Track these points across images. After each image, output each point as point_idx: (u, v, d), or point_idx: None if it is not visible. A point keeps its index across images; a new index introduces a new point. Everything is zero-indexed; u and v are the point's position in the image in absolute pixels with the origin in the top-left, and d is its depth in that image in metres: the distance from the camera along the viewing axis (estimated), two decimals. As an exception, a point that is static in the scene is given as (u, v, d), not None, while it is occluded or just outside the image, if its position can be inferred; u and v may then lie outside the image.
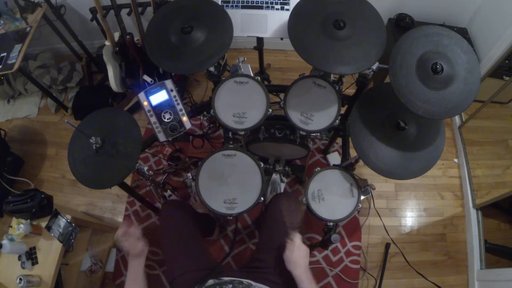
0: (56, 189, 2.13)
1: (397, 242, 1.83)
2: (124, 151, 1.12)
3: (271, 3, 1.36)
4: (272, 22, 1.35)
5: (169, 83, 1.20)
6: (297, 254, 1.02)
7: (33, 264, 1.37)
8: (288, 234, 1.08)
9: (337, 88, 1.28)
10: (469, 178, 1.93)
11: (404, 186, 2.01)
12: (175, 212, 1.28)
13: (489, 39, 1.87)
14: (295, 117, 1.26)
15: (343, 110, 1.32)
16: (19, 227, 1.35)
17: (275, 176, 1.74)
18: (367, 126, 1.16)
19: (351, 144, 1.24)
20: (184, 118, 1.20)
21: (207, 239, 1.77)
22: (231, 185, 1.20)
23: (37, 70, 2.41)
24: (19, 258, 1.36)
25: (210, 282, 1.00)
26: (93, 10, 1.89)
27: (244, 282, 0.98)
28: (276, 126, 1.47)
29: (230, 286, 0.96)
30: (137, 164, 1.19)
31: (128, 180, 2.05)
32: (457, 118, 2.14)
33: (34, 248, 1.39)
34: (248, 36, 1.36)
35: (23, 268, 1.35)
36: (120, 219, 1.98)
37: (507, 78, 1.80)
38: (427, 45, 1.02)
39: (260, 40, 1.67)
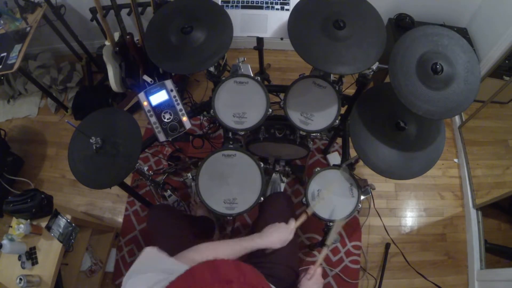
0: (56, 189, 2.13)
1: (397, 242, 1.83)
2: (124, 151, 1.12)
3: (271, 3, 1.36)
4: (272, 22, 1.35)
5: (169, 83, 1.20)
6: (312, 283, 1.00)
7: (33, 264, 1.37)
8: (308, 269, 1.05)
9: (337, 88, 1.28)
10: (469, 178, 1.93)
11: (404, 186, 2.01)
12: (161, 215, 1.27)
13: (489, 39, 1.87)
14: (295, 117, 1.26)
15: (343, 110, 1.32)
16: (19, 227, 1.35)
17: (275, 176, 1.74)
18: (367, 126, 1.17)
19: (351, 144, 1.24)
20: (184, 118, 1.20)
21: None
22: (231, 185, 1.20)
23: (37, 70, 2.41)
24: (19, 258, 1.36)
25: None
26: (93, 10, 1.89)
27: None
28: (276, 126, 1.47)
29: None
30: (137, 164, 1.19)
31: (128, 180, 2.05)
32: (457, 118, 2.14)
33: (34, 248, 1.39)
34: (248, 36, 1.36)
35: (23, 268, 1.35)
36: (120, 219, 1.98)
37: (507, 78, 1.80)
38: (427, 45, 1.02)
39: (260, 40, 1.67)
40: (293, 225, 1.08)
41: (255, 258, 1.14)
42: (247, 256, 1.20)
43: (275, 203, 1.24)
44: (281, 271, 1.09)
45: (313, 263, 1.04)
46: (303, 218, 1.14)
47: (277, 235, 1.03)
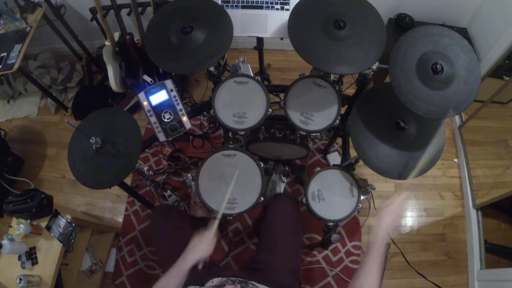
0: (56, 189, 2.13)
1: (397, 242, 1.83)
2: (124, 151, 1.12)
3: (271, 3, 1.36)
4: (272, 22, 1.35)
5: (169, 83, 1.20)
6: (390, 211, 0.95)
7: (33, 264, 1.37)
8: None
9: (337, 88, 1.28)
10: (469, 178, 1.93)
11: (404, 186, 2.01)
12: (164, 215, 1.27)
13: (489, 39, 1.87)
14: (295, 117, 1.26)
15: (343, 110, 1.32)
16: (19, 227, 1.35)
17: (275, 176, 1.74)
18: (367, 126, 1.17)
19: (351, 144, 1.24)
20: (184, 118, 1.20)
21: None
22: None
23: (37, 70, 2.41)
24: (19, 258, 1.36)
25: (217, 280, 0.99)
26: (93, 10, 1.89)
27: (249, 284, 0.98)
28: (276, 126, 1.47)
29: (239, 286, 0.96)
30: (137, 164, 1.19)
31: (128, 180, 2.05)
32: (457, 118, 2.14)
33: (34, 248, 1.39)
34: (248, 36, 1.36)
35: (23, 268, 1.35)
36: (120, 219, 1.98)
37: (507, 78, 1.80)
38: (427, 45, 1.02)
39: (260, 40, 1.67)
40: (213, 229, 1.01)
41: (255, 264, 1.14)
42: (249, 262, 1.20)
43: (281, 205, 1.23)
44: (282, 278, 1.09)
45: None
46: (217, 222, 1.05)
47: (200, 247, 0.99)
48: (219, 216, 1.05)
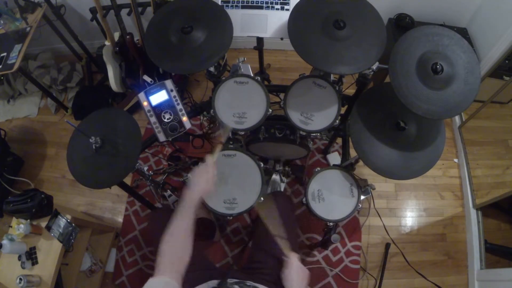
0: (56, 189, 2.13)
1: (397, 242, 1.83)
2: (124, 151, 1.12)
3: (271, 3, 1.36)
4: (272, 22, 1.35)
5: (169, 83, 1.20)
6: (296, 277, 0.99)
7: (33, 264, 1.37)
8: (283, 250, 1.03)
9: (337, 88, 1.28)
10: (469, 178, 1.93)
11: (404, 186, 2.01)
12: (162, 217, 1.26)
13: (489, 39, 1.87)
14: (295, 117, 1.26)
15: (343, 110, 1.32)
16: (19, 227, 1.35)
17: (275, 176, 1.74)
18: (367, 126, 1.16)
19: (351, 144, 1.24)
20: (184, 118, 1.20)
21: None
22: (231, 185, 1.20)
23: (37, 70, 2.41)
24: (19, 258, 1.36)
25: (212, 283, 0.99)
26: (93, 10, 1.89)
27: (248, 284, 0.98)
28: (276, 126, 1.47)
29: (236, 287, 0.96)
30: (137, 164, 1.19)
31: (128, 180, 2.05)
32: (457, 118, 2.14)
33: (34, 248, 1.39)
34: (248, 36, 1.36)
35: (23, 268, 1.35)
36: (120, 219, 1.98)
37: (507, 78, 1.80)
38: (427, 45, 1.02)
39: (260, 40, 1.67)
40: (209, 160, 1.03)
41: (254, 263, 1.14)
42: (247, 262, 1.20)
43: (276, 203, 1.24)
44: (278, 277, 1.09)
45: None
46: (218, 148, 1.08)
47: (200, 178, 0.99)
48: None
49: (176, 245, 0.86)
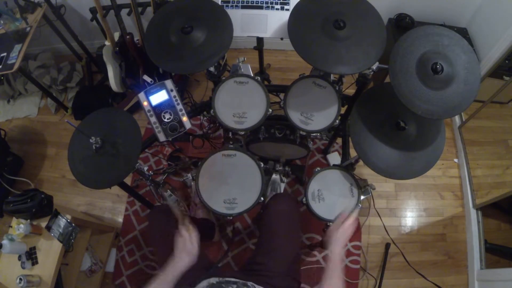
0: (56, 189, 2.13)
1: (397, 242, 1.83)
2: (124, 151, 1.12)
3: (271, 3, 1.36)
4: (272, 22, 1.35)
5: (169, 83, 1.20)
6: (344, 232, 1.02)
7: (33, 264, 1.37)
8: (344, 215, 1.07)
9: (337, 88, 1.28)
10: (469, 178, 1.93)
11: (404, 186, 2.01)
12: (161, 216, 1.27)
13: (489, 39, 1.87)
14: (295, 117, 1.26)
15: (343, 110, 1.32)
16: (19, 227, 1.35)
17: (275, 176, 1.74)
18: (367, 126, 1.16)
19: (351, 144, 1.24)
20: (184, 118, 1.20)
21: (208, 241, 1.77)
22: (231, 185, 1.20)
23: (37, 70, 2.41)
24: (19, 258, 1.36)
25: (214, 280, 0.99)
26: (93, 10, 1.89)
27: (249, 284, 0.98)
28: (276, 126, 1.47)
29: (234, 286, 0.96)
30: (137, 164, 1.19)
31: (128, 180, 2.05)
32: (457, 118, 2.14)
33: (34, 248, 1.39)
34: (248, 36, 1.36)
35: (23, 268, 1.35)
36: (120, 219, 1.98)
37: (507, 78, 1.80)
38: (427, 45, 1.02)
39: (260, 40, 1.67)
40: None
41: (254, 265, 1.14)
42: (246, 264, 1.20)
43: (280, 205, 1.23)
44: (281, 280, 1.09)
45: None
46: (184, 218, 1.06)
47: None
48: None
49: None
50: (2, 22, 2.00)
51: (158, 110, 1.18)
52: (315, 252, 1.78)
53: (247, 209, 1.16)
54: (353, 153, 1.28)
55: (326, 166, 1.50)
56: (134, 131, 1.15)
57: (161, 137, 1.19)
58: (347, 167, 1.33)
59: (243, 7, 1.37)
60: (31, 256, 1.37)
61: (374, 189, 1.34)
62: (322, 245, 1.69)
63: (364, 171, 1.92)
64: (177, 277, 0.94)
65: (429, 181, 2.02)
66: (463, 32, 2.01)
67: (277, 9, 1.36)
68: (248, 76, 1.27)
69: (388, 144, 1.14)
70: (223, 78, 1.29)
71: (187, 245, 0.99)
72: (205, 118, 2.11)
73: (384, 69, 1.10)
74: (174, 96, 1.20)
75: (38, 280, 1.33)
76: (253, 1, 1.37)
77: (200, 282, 0.99)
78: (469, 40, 1.99)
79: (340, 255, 1.00)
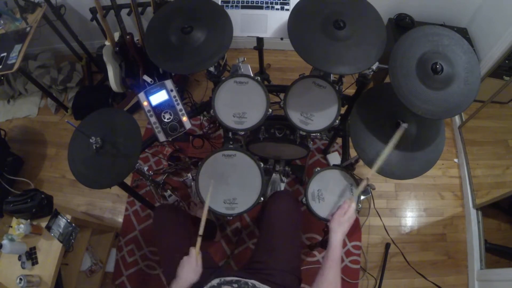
0: (56, 189, 2.13)
1: (397, 242, 1.83)
2: (124, 151, 1.12)
3: (271, 3, 1.36)
4: (272, 22, 1.35)
5: (169, 83, 1.20)
6: (346, 218, 1.06)
7: (33, 264, 1.37)
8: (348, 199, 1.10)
9: (337, 88, 1.27)
10: (469, 178, 1.93)
11: (404, 186, 2.01)
12: (167, 214, 1.28)
13: (489, 39, 1.87)
14: (295, 117, 1.26)
15: (343, 110, 1.32)
16: (19, 227, 1.35)
17: (275, 176, 1.74)
18: (367, 126, 1.16)
19: (351, 144, 1.24)
20: (184, 118, 1.20)
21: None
22: (231, 185, 1.20)
23: (37, 70, 2.41)
24: (19, 258, 1.36)
25: (215, 281, 0.99)
26: (93, 10, 1.89)
27: (249, 283, 0.98)
28: (276, 126, 1.47)
29: (236, 286, 0.96)
30: (137, 164, 1.19)
31: (128, 180, 2.05)
32: (457, 118, 2.14)
33: (34, 248, 1.39)
34: (248, 36, 1.36)
35: (23, 268, 1.35)
36: (120, 219, 1.98)
37: (507, 78, 1.80)
38: (427, 45, 1.02)
39: (260, 40, 1.67)
40: (193, 252, 1.03)
41: (255, 264, 1.14)
42: (247, 262, 1.20)
43: (280, 202, 1.23)
44: (282, 277, 1.09)
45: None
46: (199, 240, 1.07)
47: (188, 274, 1.00)
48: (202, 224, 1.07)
49: None
50: (2, 22, 2.00)
51: (158, 110, 1.18)
52: (315, 252, 1.78)
53: (247, 209, 1.16)
54: (353, 153, 1.27)
55: (326, 166, 1.50)
56: (134, 131, 1.15)
57: (161, 137, 1.19)
58: (347, 167, 1.33)
59: (243, 7, 1.37)
60: (31, 256, 1.37)
61: (374, 189, 1.34)
62: (323, 245, 1.69)
63: (364, 171, 1.92)
64: None
65: (429, 181, 2.02)
66: (463, 32, 2.02)
67: (277, 9, 1.36)
68: (248, 76, 1.27)
69: (388, 144, 1.14)
70: (223, 78, 1.29)
71: (192, 264, 1.01)
72: (205, 118, 2.11)
73: (384, 69, 1.09)
74: (174, 96, 1.20)
75: (38, 280, 1.33)
76: (253, 1, 1.37)
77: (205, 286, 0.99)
78: (469, 40, 1.99)
79: (341, 242, 1.02)
